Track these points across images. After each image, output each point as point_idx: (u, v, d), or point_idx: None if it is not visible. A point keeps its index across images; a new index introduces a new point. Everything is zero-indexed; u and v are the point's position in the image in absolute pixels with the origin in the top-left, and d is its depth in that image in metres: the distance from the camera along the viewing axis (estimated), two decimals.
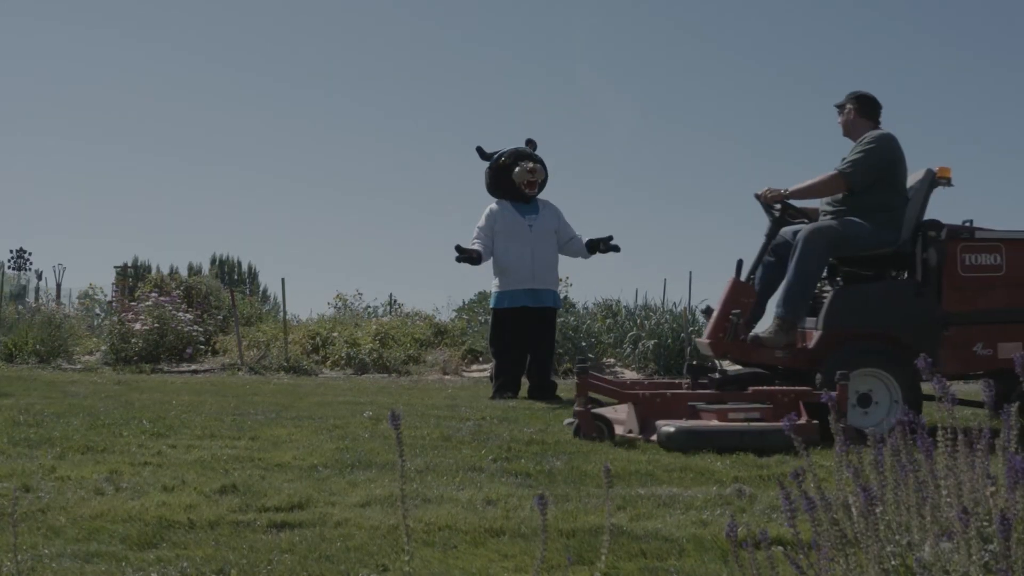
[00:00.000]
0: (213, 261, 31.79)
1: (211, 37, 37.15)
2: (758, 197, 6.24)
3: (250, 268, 33.46)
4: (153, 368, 11.91)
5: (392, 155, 39.26)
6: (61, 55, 36.85)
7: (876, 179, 6.01)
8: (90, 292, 18.68)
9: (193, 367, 12.21)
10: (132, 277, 20.38)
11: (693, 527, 3.35)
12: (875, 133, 6.15)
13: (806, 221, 6.29)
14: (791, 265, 5.94)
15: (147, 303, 12.89)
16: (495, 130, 39.10)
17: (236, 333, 12.59)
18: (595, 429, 5.47)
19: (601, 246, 8.62)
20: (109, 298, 17.03)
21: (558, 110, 37.17)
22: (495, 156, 8.61)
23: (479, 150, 8.65)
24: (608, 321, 13.64)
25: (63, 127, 38.31)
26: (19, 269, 18.72)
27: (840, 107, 6.34)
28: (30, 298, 17.19)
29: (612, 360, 13.18)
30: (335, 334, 13.11)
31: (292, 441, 5.19)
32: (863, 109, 6.27)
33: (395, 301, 18.20)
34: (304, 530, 3.29)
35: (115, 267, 18.76)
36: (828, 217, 6.17)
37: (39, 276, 18.11)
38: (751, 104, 34.80)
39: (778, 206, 6.23)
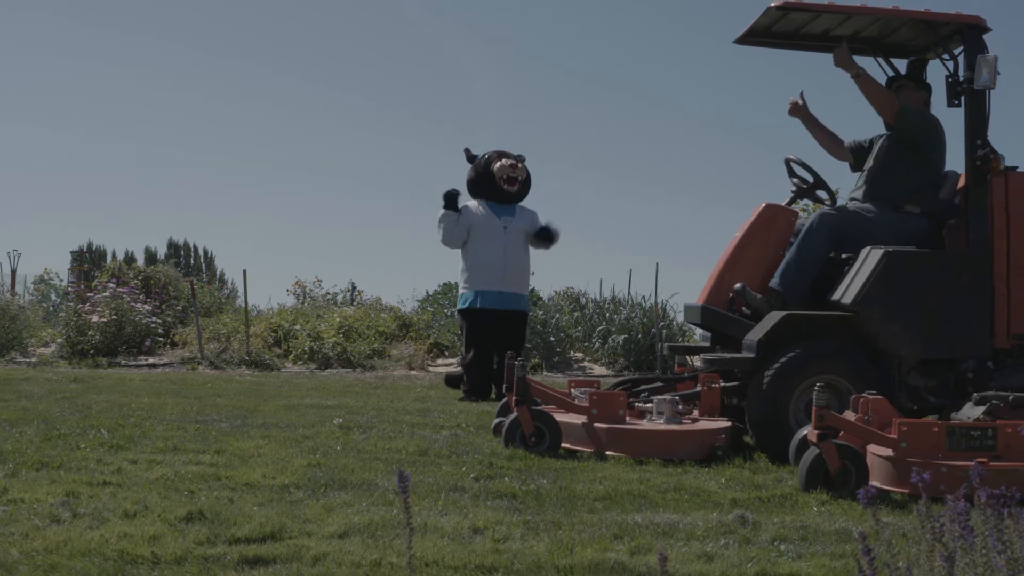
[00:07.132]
0: (169, 246, 31.22)
1: (168, 19, 36.47)
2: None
3: (206, 252, 32.86)
4: (111, 362, 11.56)
5: (351, 138, 38.77)
6: (12, 38, 36.08)
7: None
8: (45, 276, 18.22)
9: (151, 361, 11.87)
10: (88, 263, 19.89)
11: (699, 562, 3.14)
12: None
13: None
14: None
15: (104, 294, 12.52)
16: (458, 114, 38.69)
17: (196, 326, 12.25)
18: None
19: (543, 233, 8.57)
20: (65, 283, 16.59)
21: (517, 96, 36.89)
22: (479, 157, 8.57)
23: (467, 151, 8.59)
24: (576, 314, 13.39)
25: (14, 111, 37.50)
26: None
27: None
28: None
29: (581, 355, 12.96)
30: (297, 327, 12.78)
31: (260, 455, 4.91)
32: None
33: (355, 288, 17.86)
34: (279, 567, 3.05)
35: (71, 252, 18.30)
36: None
37: None
38: (719, 89, 34.66)
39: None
